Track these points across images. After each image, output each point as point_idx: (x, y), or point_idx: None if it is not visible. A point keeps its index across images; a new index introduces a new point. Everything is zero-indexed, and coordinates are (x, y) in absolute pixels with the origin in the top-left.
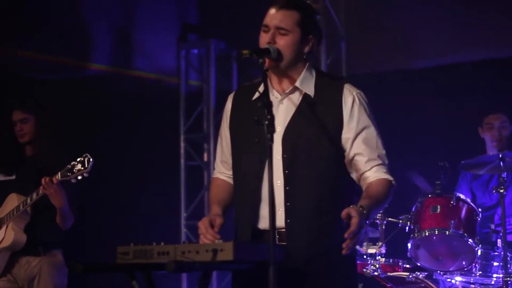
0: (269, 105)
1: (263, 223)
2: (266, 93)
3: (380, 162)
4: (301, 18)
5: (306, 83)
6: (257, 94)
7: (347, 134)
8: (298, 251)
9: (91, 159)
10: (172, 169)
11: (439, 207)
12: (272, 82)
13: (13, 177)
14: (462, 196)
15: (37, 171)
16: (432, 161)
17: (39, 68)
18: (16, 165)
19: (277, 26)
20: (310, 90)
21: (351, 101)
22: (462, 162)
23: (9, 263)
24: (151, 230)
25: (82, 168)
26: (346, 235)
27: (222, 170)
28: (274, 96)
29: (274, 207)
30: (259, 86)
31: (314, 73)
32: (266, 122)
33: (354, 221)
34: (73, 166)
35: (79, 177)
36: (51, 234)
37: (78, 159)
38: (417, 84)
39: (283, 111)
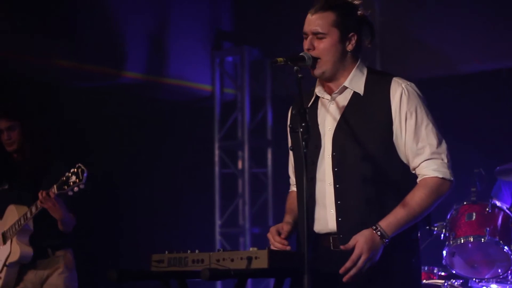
0: (304, 112)
1: (318, 225)
2: (300, 100)
3: (430, 156)
4: (337, 18)
5: (356, 81)
6: (312, 100)
7: (397, 128)
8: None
9: (85, 170)
10: (207, 177)
11: (474, 214)
12: (323, 83)
13: (6, 186)
14: (498, 203)
15: (29, 178)
16: (468, 168)
17: (75, 77)
18: (8, 174)
19: (313, 31)
20: (360, 89)
21: (399, 93)
22: (498, 168)
23: (20, 270)
24: (185, 238)
25: (77, 181)
26: (340, 271)
27: (295, 182)
28: (325, 97)
29: (308, 211)
30: (313, 93)
31: (365, 71)
32: (301, 130)
33: (353, 256)
34: (68, 178)
35: (76, 189)
36: (56, 237)
37: (72, 170)
38: (451, 91)
39: (333, 111)
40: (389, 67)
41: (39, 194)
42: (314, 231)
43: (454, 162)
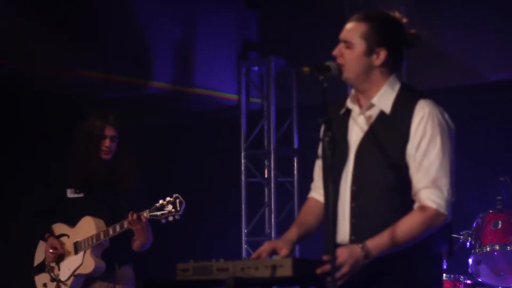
0: (329, 122)
1: (340, 237)
2: (325, 110)
3: (430, 185)
4: (368, 30)
5: (384, 99)
6: (343, 110)
7: (410, 149)
8: (362, 271)
9: (183, 202)
10: (233, 186)
11: (500, 222)
12: (356, 97)
13: (81, 195)
14: None
15: (112, 194)
16: (493, 176)
17: (102, 88)
18: (88, 183)
19: (342, 39)
20: (386, 107)
21: (422, 114)
22: None
23: (86, 281)
24: (212, 247)
25: (174, 210)
26: (318, 271)
27: (319, 185)
28: (354, 110)
29: (335, 223)
30: (346, 101)
31: (397, 88)
32: (327, 139)
33: (336, 263)
34: (163, 206)
35: (170, 219)
36: (125, 253)
37: (168, 199)
38: (477, 100)
39: (360, 126)
40: (415, 77)
41: (129, 215)
42: (337, 242)
43: (480, 170)
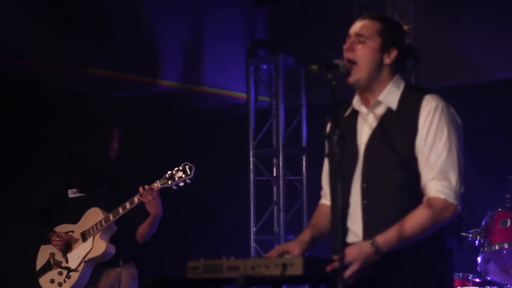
0: (337, 120)
1: (351, 237)
2: (334, 108)
3: (437, 176)
4: (382, 28)
5: (390, 96)
6: (348, 111)
7: (418, 143)
8: (375, 268)
9: (193, 166)
10: (242, 184)
11: (509, 221)
12: (361, 96)
13: (84, 194)
14: None
15: (112, 190)
16: (502, 174)
17: (110, 86)
18: (92, 182)
19: (357, 33)
20: (393, 104)
21: (428, 110)
22: None
23: (93, 273)
24: (221, 245)
25: (184, 175)
26: (328, 268)
27: (328, 191)
28: (361, 110)
29: (344, 221)
30: (351, 104)
31: (402, 87)
32: (335, 137)
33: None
34: (172, 174)
35: (181, 184)
36: (130, 246)
37: (176, 168)
38: (484, 98)
39: (368, 125)
40: (422, 75)
41: (140, 189)
42: (347, 242)
43: (488, 169)
